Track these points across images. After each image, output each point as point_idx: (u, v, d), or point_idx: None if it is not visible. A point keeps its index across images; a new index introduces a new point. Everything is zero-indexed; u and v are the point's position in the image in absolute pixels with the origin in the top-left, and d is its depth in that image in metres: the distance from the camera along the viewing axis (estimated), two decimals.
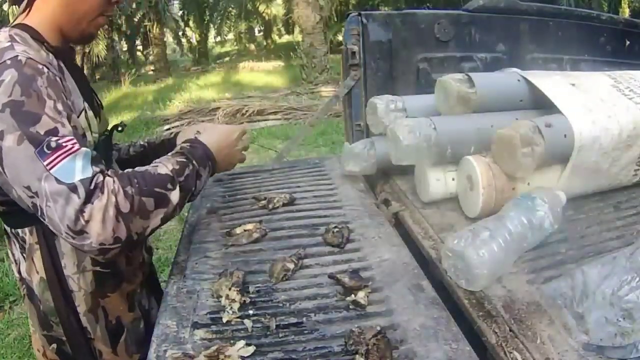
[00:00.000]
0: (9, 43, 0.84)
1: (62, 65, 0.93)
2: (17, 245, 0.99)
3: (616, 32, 1.77)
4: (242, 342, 0.73)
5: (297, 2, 9.67)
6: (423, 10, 1.81)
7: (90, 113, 0.96)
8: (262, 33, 18.45)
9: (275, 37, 18.87)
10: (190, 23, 16.46)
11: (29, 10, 0.92)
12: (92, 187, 0.78)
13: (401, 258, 0.97)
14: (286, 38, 19.19)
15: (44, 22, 0.92)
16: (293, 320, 0.80)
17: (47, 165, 0.76)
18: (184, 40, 16.85)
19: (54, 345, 1.04)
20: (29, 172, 0.77)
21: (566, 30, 1.72)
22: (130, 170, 0.88)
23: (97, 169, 0.80)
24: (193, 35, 17.29)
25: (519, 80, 1.27)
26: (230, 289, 0.86)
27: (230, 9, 15.31)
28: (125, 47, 15.29)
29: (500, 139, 1.09)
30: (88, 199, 0.77)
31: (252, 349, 0.72)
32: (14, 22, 0.93)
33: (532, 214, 0.94)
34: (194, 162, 0.95)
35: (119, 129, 1.13)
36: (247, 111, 7.18)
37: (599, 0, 9.18)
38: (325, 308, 0.82)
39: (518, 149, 1.04)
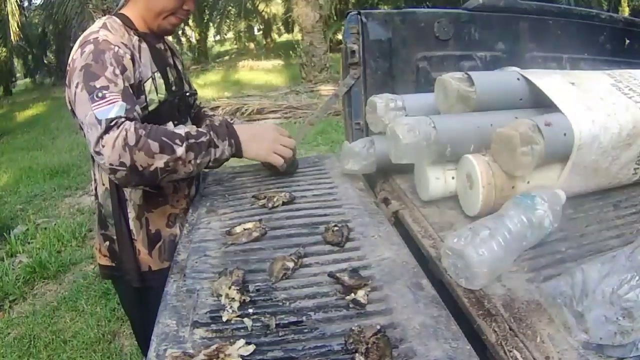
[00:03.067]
0: (99, 28, 1.19)
1: (142, 45, 1.27)
2: (96, 164, 1.31)
3: (616, 31, 1.77)
4: (241, 341, 0.73)
5: (297, 0, 9.67)
6: (422, 8, 1.81)
7: (159, 81, 1.29)
8: (261, 32, 18.44)
9: (274, 35, 18.87)
10: (190, 22, 16.43)
11: (127, 3, 1.29)
12: (111, 124, 1.06)
13: (401, 257, 0.97)
14: (286, 37, 19.18)
15: (134, 14, 1.28)
16: (293, 319, 0.79)
17: (93, 106, 1.07)
18: (183, 39, 16.84)
19: (107, 243, 1.36)
20: (84, 110, 1.09)
21: (566, 29, 1.72)
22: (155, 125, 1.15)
23: (124, 116, 1.08)
24: (192, 34, 17.27)
25: (518, 79, 1.27)
26: (230, 288, 0.86)
27: (230, 7, 15.32)
28: None
29: (499, 138, 1.09)
30: (106, 131, 1.06)
31: (251, 347, 0.72)
32: (116, 11, 1.30)
33: (531, 212, 0.94)
34: (212, 133, 1.19)
35: (187, 94, 1.47)
36: (246, 110, 7.18)
37: None
38: (325, 307, 0.82)
39: (518, 148, 1.04)
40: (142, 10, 1.28)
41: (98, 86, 1.09)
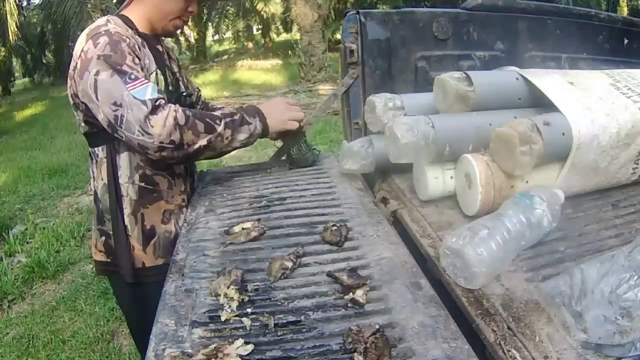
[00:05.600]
0: (106, 22, 1.25)
1: (144, 44, 1.30)
2: (94, 161, 1.35)
3: (614, 31, 1.77)
4: (240, 341, 0.73)
5: (295, 0, 9.66)
6: (421, 8, 1.81)
7: (160, 77, 1.34)
8: (260, 31, 18.45)
9: (273, 35, 18.86)
10: (189, 21, 16.42)
11: (128, 5, 1.33)
12: (156, 104, 1.15)
13: (399, 256, 0.97)
14: (284, 36, 19.19)
15: (137, 15, 1.32)
16: (291, 318, 0.79)
17: (129, 87, 1.15)
18: (182, 38, 16.85)
19: (103, 238, 1.37)
20: (118, 92, 1.15)
21: (564, 29, 1.72)
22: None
23: (161, 95, 1.18)
24: (191, 34, 17.27)
25: (517, 79, 1.27)
26: (228, 288, 0.86)
27: (229, 7, 15.31)
28: None
29: (498, 137, 1.09)
30: (153, 111, 1.14)
31: (250, 347, 0.72)
32: (117, 13, 1.34)
33: (530, 212, 0.94)
34: (242, 112, 1.32)
35: (184, 93, 1.49)
36: None
37: None
38: (323, 306, 0.82)
39: (516, 147, 1.04)
40: (148, 12, 1.32)
41: (127, 71, 1.16)
